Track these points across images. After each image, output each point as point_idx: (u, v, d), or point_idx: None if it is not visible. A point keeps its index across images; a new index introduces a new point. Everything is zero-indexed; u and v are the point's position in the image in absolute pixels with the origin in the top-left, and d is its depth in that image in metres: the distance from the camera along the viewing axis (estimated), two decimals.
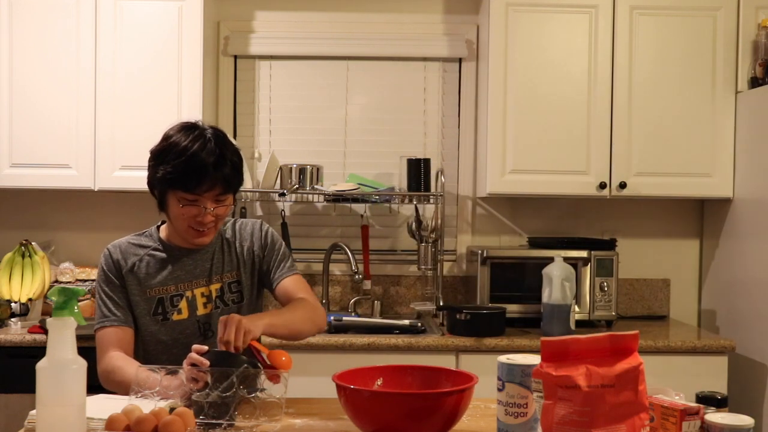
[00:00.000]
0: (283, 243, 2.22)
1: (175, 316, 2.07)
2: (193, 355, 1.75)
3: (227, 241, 2.15)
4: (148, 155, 2.03)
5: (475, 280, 3.38)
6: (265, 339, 2.03)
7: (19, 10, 3.28)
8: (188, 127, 2.01)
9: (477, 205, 3.75)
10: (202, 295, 2.09)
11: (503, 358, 1.51)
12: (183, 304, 2.07)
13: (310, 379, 2.50)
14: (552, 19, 3.37)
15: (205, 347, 1.77)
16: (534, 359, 1.45)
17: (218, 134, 2.02)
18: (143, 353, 2.08)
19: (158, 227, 2.17)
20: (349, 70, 3.74)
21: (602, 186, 3.36)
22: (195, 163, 1.94)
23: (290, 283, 2.14)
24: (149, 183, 2.04)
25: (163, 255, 2.10)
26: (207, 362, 1.72)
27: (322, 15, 3.70)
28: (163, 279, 2.08)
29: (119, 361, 1.98)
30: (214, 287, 2.10)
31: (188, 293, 2.08)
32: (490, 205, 3.73)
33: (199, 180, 1.95)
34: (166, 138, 2.01)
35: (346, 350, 3.02)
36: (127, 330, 2.06)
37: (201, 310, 2.08)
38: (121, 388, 1.92)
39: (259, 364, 1.77)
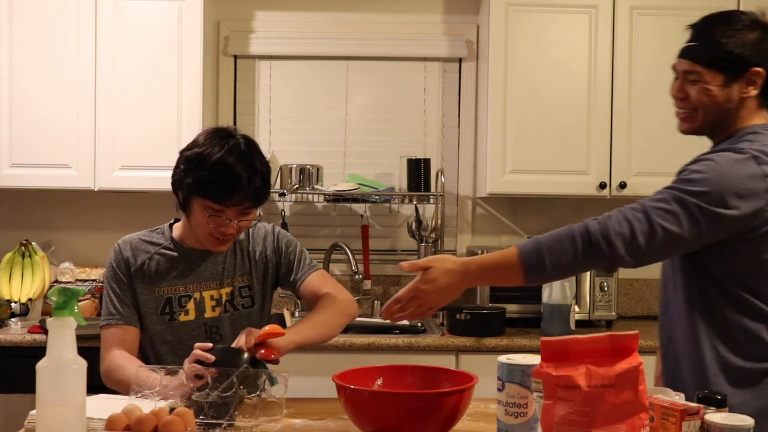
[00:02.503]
0: (298, 243, 2.20)
1: (182, 317, 2.07)
2: (197, 351, 1.75)
3: (240, 244, 2.13)
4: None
5: None
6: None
7: (19, 10, 3.28)
8: (222, 135, 1.98)
9: (477, 205, 3.75)
10: (212, 298, 2.08)
11: (503, 358, 1.51)
12: (190, 305, 2.07)
13: (310, 379, 2.50)
14: (552, 19, 3.37)
15: (210, 344, 1.78)
16: (534, 359, 1.45)
17: (251, 145, 2.00)
18: (152, 353, 2.08)
19: (171, 225, 2.16)
20: (349, 70, 3.74)
21: (602, 186, 3.36)
22: (229, 175, 1.92)
23: (313, 280, 2.13)
24: (174, 184, 2.01)
25: (174, 254, 2.09)
26: (212, 357, 1.72)
27: (322, 15, 3.70)
28: (172, 279, 2.07)
29: (120, 359, 1.98)
30: (225, 291, 2.09)
31: (196, 294, 2.08)
32: (490, 205, 3.73)
33: (231, 193, 1.93)
34: (199, 144, 1.98)
35: (346, 350, 3.02)
36: (131, 329, 2.05)
37: (209, 313, 2.08)
38: (122, 386, 1.92)
39: (266, 364, 1.80)
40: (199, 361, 1.74)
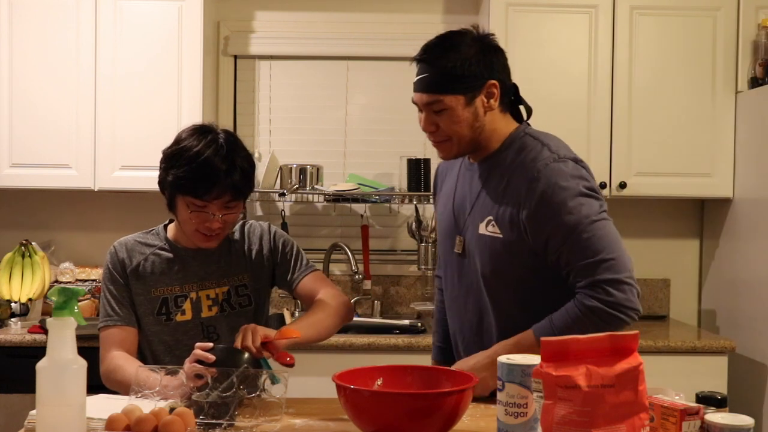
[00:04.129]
0: (295, 243, 2.20)
1: (179, 317, 2.07)
2: (197, 351, 1.75)
3: (235, 243, 2.13)
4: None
5: None
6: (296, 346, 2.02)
7: (19, 10, 3.28)
8: (201, 131, 1.99)
9: None
10: (208, 297, 2.08)
11: (503, 357, 1.51)
12: (187, 305, 2.07)
13: (310, 379, 2.50)
14: (552, 19, 3.37)
15: (210, 344, 1.78)
16: (534, 359, 1.44)
17: (231, 140, 1.99)
18: (150, 353, 2.08)
19: (165, 226, 2.16)
20: (349, 70, 3.74)
21: (602, 186, 3.36)
22: (206, 169, 1.92)
23: (310, 282, 2.13)
24: (160, 184, 2.02)
25: (170, 255, 2.09)
26: (213, 357, 1.72)
27: (322, 15, 3.70)
28: (168, 279, 2.07)
29: (120, 360, 1.98)
30: (221, 290, 2.09)
31: (192, 294, 2.07)
32: None
33: (209, 187, 1.93)
34: (179, 141, 1.99)
35: (346, 350, 3.02)
36: (130, 330, 2.05)
37: (206, 313, 2.08)
38: (122, 387, 1.92)
39: (262, 363, 1.79)
40: (199, 361, 1.74)
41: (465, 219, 1.97)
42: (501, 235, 1.87)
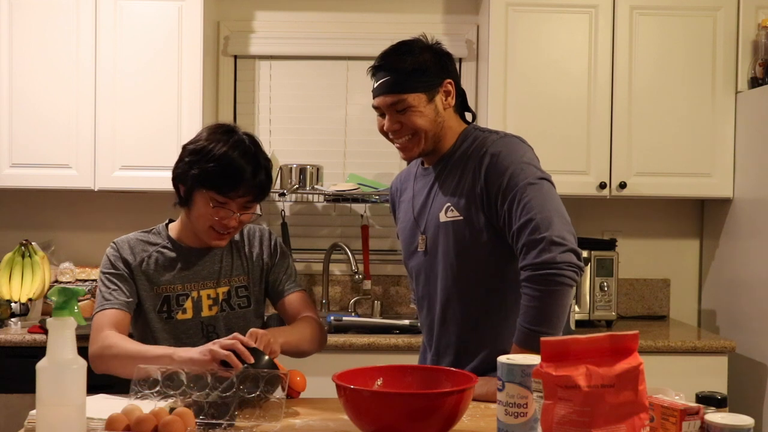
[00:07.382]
0: (291, 257, 2.24)
1: (180, 316, 2.08)
2: (237, 345, 1.75)
3: (236, 244, 2.16)
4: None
5: None
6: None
7: (19, 10, 3.28)
8: (225, 131, 2.03)
9: None
10: (208, 297, 2.09)
11: (503, 358, 1.51)
12: (188, 304, 2.08)
13: (310, 379, 2.50)
14: (552, 19, 3.37)
15: (250, 341, 1.81)
16: (534, 359, 1.44)
17: (254, 141, 2.05)
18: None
19: (167, 225, 2.17)
20: (349, 70, 3.74)
21: (602, 186, 3.36)
22: (235, 167, 1.97)
23: (297, 299, 2.17)
24: (178, 177, 2.04)
25: (173, 254, 2.10)
26: (252, 359, 1.74)
27: (322, 15, 3.70)
28: (170, 277, 2.08)
29: (116, 338, 1.96)
30: (222, 290, 2.11)
31: (194, 293, 2.09)
32: None
33: (236, 185, 1.97)
34: (203, 138, 2.02)
35: (346, 350, 3.02)
36: (126, 315, 2.04)
37: (206, 312, 2.09)
38: (119, 362, 1.90)
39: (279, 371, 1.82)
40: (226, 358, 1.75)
41: (426, 217, 2.05)
42: (461, 217, 1.96)
